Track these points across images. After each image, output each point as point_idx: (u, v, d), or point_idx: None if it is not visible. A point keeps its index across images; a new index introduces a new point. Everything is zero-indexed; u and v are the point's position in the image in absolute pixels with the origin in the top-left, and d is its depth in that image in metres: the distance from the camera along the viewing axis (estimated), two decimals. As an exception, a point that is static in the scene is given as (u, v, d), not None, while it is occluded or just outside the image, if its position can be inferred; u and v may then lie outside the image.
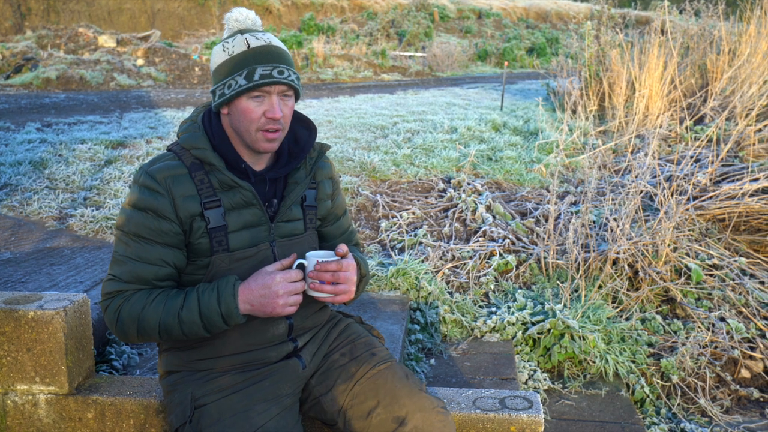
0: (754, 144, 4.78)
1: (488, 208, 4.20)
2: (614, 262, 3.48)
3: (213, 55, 1.71)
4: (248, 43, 1.65)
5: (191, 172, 1.66)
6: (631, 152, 5.10)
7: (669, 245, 3.50)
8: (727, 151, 4.73)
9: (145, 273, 1.64)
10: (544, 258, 3.62)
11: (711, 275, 3.51)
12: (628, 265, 3.47)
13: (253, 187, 1.69)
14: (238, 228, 1.68)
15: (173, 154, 1.70)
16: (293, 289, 1.63)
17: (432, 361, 2.93)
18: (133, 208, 1.65)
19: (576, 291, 3.35)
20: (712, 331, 3.17)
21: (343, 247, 1.67)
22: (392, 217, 4.17)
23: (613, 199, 3.88)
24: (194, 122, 1.73)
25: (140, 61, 14.96)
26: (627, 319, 3.24)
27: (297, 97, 1.73)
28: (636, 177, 4.21)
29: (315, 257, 1.66)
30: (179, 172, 1.66)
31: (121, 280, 1.64)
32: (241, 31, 1.68)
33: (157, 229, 1.63)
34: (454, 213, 4.20)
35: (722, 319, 3.27)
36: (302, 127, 1.84)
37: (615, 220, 3.61)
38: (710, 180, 4.27)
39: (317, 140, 1.85)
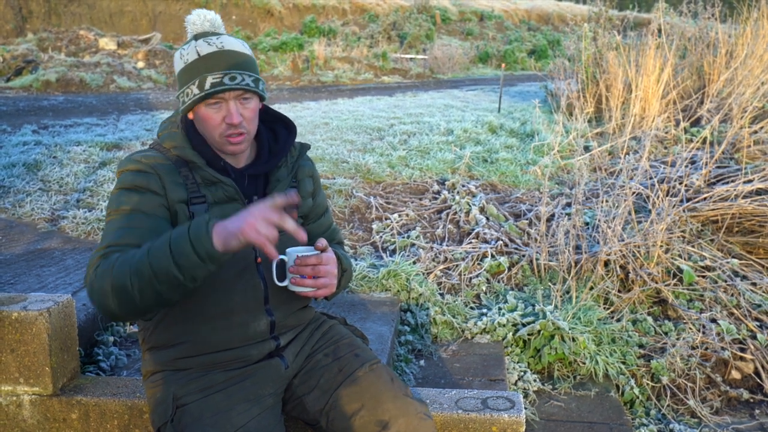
0: (749, 146, 4.76)
1: (482, 210, 4.20)
2: (606, 264, 3.47)
3: (174, 62, 1.73)
4: (198, 52, 1.65)
5: (177, 167, 1.68)
6: (627, 154, 5.09)
7: (661, 246, 3.50)
8: (723, 153, 4.71)
9: (134, 239, 1.55)
10: (536, 259, 3.61)
11: (703, 276, 3.51)
12: (620, 266, 3.47)
13: (234, 182, 1.71)
14: None
15: (155, 151, 1.71)
16: (269, 216, 1.39)
17: (422, 362, 2.92)
18: (122, 190, 1.63)
19: (567, 292, 3.35)
20: (703, 333, 3.16)
21: (322, 242, 1.68)
22: (385, 219, 4.17)
23: (606, 201, 3.88)
24: (173, 122, 1.75)
25: (141, 64, 14.97)
26: (618, 320, 3.23)
27: (262, 98, 1.73)
28: (631, 179, 4.20)
29: (295, 252, 1.68)
30: (165, 163, 1.67)
31: (108, 245, 1.55)
32: (196, 36, 1.69)
33: (148, 202, 1.61)
34: (447, 215, 4.20)
35: (713, 321, 3.26)
36: (282, 126, 1.85)
37: (606, 221, 3.61)
38: (705, 181, 4.26)
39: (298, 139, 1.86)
